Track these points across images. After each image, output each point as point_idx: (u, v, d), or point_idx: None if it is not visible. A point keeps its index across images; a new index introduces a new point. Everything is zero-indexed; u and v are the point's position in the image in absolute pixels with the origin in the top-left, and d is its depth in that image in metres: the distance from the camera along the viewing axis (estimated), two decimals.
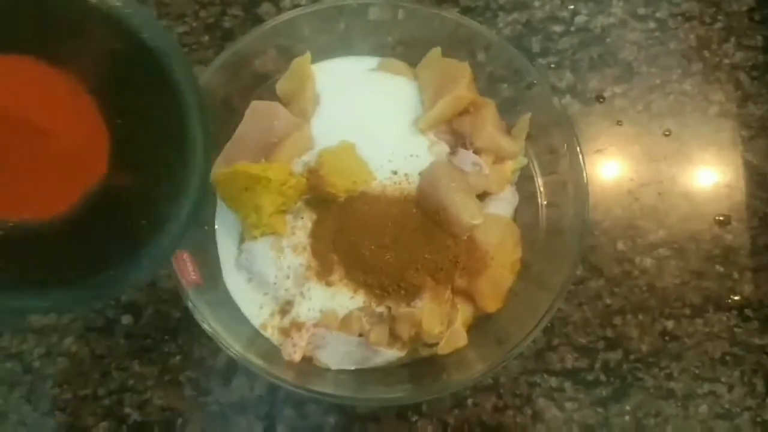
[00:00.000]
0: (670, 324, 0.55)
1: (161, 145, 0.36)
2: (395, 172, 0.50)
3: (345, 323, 0.47)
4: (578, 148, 0.48)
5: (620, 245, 0.57)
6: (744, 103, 0.60)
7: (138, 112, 0.35)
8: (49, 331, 0.53)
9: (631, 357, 0.54)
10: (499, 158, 0.51)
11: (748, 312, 0.56)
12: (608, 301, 0.56)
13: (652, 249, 0.57)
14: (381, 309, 0.48)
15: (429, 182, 0.49)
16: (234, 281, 0.49)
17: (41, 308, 0.38)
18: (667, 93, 0.60)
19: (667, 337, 0.55)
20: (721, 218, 0.58)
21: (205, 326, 0.44)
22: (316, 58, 0.51)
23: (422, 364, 0.49)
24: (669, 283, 0.56)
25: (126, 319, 0.54)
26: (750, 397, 0.54)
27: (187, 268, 0.44)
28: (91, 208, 0.34)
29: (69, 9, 0.32)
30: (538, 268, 0.49)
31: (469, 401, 0.53)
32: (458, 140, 0.51)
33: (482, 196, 0.51)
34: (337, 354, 0.47)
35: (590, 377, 0.54)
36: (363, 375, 0.48)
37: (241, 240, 0.50)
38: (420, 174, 0.50)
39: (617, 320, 0.55)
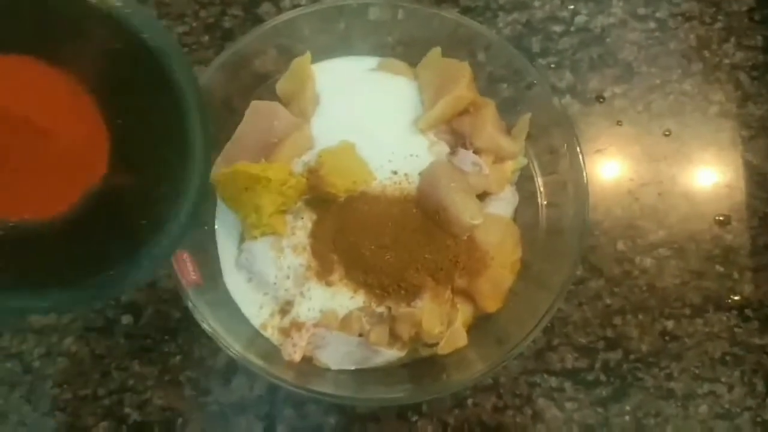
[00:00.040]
0: (670, 324, 0.55)
1: (161, 145, 0.36)
2: (395, 172, 0.50)
3: (345, 323, 0.47)
4: (578, 148, 0.48)
5: (620, 245, 0.57)
6: (744, 103, 0.60)
7: (138, 112, 0.35)
8: (49, 331, 0.53)
9: (631, 357, 0.54)
10: (499, 158, 0.51)
11: (748, 312, 0.56)
12: (608, 301, 0.56)
13: (652, 249, 0.57)
14: (381, 309, 0.48)
15: (429, 182, 0.49)
16: (234, 281, 0.49)
17: (41, 308, 0.38)
18: (667, 93, 0.60)
19: (667, 337, 0.55)
20: (721, 218, 0.58)
21: (205, 326, 0.44)
22: (316, 58, 0.51)
23: (422, 364, 0.49)
24: (669, 283, 0.56)
25: (126, 319, 0.54)
26: (750, 397, 0.54)
27: (187, 268, 0.44)
28: (91, 208, 0.34)
29: (69, 9, 0.32)
30: (538, 268, 0.49)
31: (469, 401, 0.53)
32: (458, 140, 0.51)
33: (482, 196, 0.51)
34: (337, 354, 0.47)
35: (590, 377, 0.54)
36: (363, 375, 0.48)
37: (241, 240, 0.50)
38: (420, 174, 0.50)
39: (617, 320, 0.55)
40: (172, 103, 0.34)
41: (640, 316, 0.55)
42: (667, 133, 0.60)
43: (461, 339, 0.48)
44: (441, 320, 0.47)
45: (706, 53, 0.61)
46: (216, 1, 0.61)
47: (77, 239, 0.35)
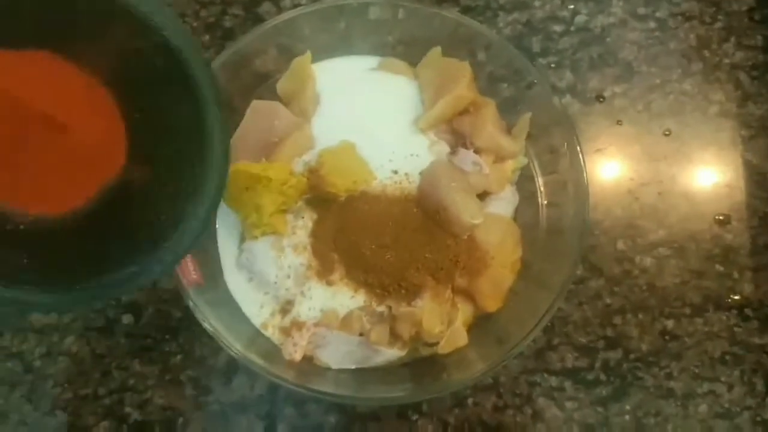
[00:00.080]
0: (670, 323, 0.55)
1: (179, 140, 0.35)
2: (396, 172, 0.50)
3: (345, 322, 0.47)
4: (578, 148, 0.48)
5: (620, 245, 0.57)
6: (744, 102, 0.60)
7: (155, 107, 0.34)
8: (49, 331, 0.53)
9: (631, 356, 0.55)
10: (499, 158, 0.51)
11: (747, 311, 0.56)
12: (608, 300, 0.56)
13: (652, 248, 0.57)
14: (381, 308, 0.48)
15: (429, 182, 0.49)
16: (235, 281, 0.49)
17: (58, 304, 0.38)
18: (667, 93, 0.60)
19: (667, 337, 0.55)
20: (721, 218, 0.58)
21: (205, 325, 0.44)
22: (317, 57, 0.52)
23: (422, 364, 0.49)
24: (669, 282, 0.56)
25: (127, 319, 0.54)
26: (750, 397, 0.54)
27: (187, 268, 0.44)
28: (109, 203, 0.34)
29: (87, 3, 0.31)
30: (538, 268, 0.49)
31: (470, 400, 0.53)
32: (458, 140, 0.51)
33: (482, 196, 0.51)
34: (338, 353, 0.47)
35: (590, 377, 0.54)
36: (363, 374, 0.48)
37: (242, 239, 0.50)
38: (420, 173, 0.50)
39: (617, 320, 0.55)
40: (190, 97, 0.34)
41: (640, 316, 0.55)
42: (667, 132, 0.60)
43: (461, 338, 0.48)
44: (441, 320, 0.47)
45: (706, 53, 0.61)
46: (216, 1, 0.61)
47: (95, 234, 0.35)
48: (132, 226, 0.35)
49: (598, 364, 0.54)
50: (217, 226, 0.50)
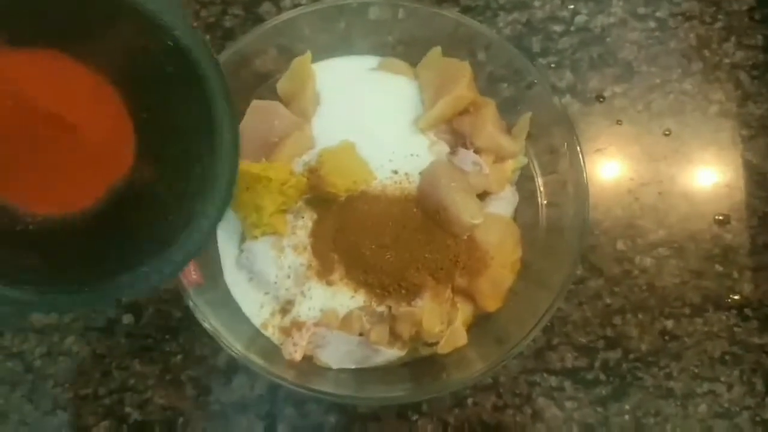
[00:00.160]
0: (669, 323, 0.55)
1: (188, 140, 0.35)
2: (395, 172, 0.50)
3: (345, 322, 0.47)
4: (578, 148, 0.48)
5: (620, 245, 0.57)
6: (744, 102, 0.60)
7: (163, 105, 0.34)
8: (50, 331, 0.54)
9: (631, 356, 0.55)
10: (499, 158, 0.51)
11: (747, 311, 0.56)
12: (608, 300, 0.56)
13: (652, 248, 0.57)
14: (381, 308, 0.48)
15: (429, 182, 0.49)
16: (235, 281, 0.49)
17: (71, 305, 0.38)
18: (667, 92, 0.60)
19: (666, 337, 0.55)
20: (720, 218, 0.58)
21: (206, 325, 0.44)
22: (317, 57, 0.52)
23: (422, 364, 0.49)
24: (669, 282, 0.56)
25: (127, 319, 0.54)
26: (749, 396, 0.54)
27: (188, 268, 0.44)
28: (118, 203, 0.34)
29: (94, 2, 0.31)
30: (538, 268, 0.49)
31: (469, 400, 0.53)
32: (458, 140, 0.51)
33: (482, 196, 0.51)
34: (338, 353, 0.48)
35: (590, 376, 0.54)
36: (363, 374, 0.48)
37: (242, 239, 0.50)
38: (420, 173, 0.50)
39: (617, 320, 0.55)
40: (200, 96, 0.34)
41: (640, 316, 0.55)
42: (667, 132, 0.60)
43: (461, 338, 0.48)
44: (441, 319, 0.47)
45: (706, 52, 0.61)
46: (217, 1, 0.61)
47: (104, 235, 0.34)
48: (141, 226, 0.35)
49: (597, 364, 0.54)
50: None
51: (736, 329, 0.56)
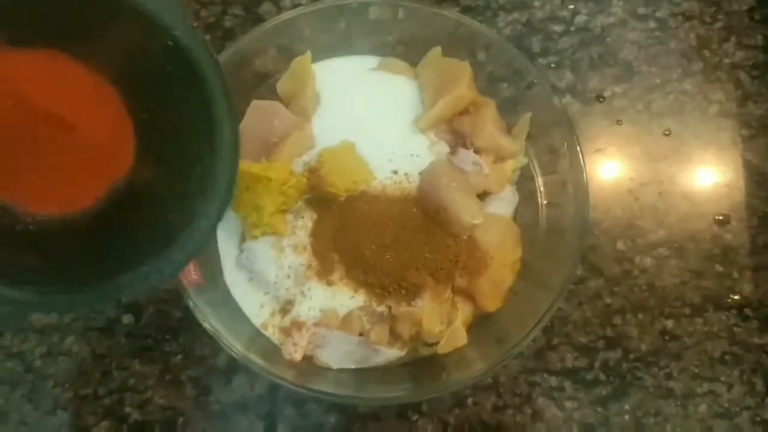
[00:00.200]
0: (669, 323, 0.55)
1: (188, 139, 0.35)
2: (395, 172, 0.50)
3: (345, 322, 0.47)
4: (578, 148, 0.48)
5: (620, 245, 0.57)
6: (744, 102, 0.60)
7: (163, 105, 0.34)
8: (50, 331, 0.54)
9: (631, 356, 0.55)
10: (499, 158, 0.51)
11: (747, 311, 0.56)
12: (608, 300, 0.56)
13: (652, 248, 0.57)
14: (381, 308, 0.48)
15: (429, 182, 0.49)
16: (235, 280, 0.49)
17: (70, 305, 0.38)
18: (667, 92, 0.60)
19: (666, 337, 0.55)
20: (720, 218, 0.58)
21: (206, 325, 0.44)
22: (317, 57, 0.52)
23: (422, 364, 0.49)
24: (669, 282, 0.56)
25: (127, 319, 0.54)
26: (749, 396, 0.54)
27: (188, 268, 0.44)
28: (118, 203, 0.34)
29: (93, 1, 0.31)
30: (538, 268, 0.49)
31: (469, 400, 0.53)
32: (458, 140, 0.51)
33: (482, 196, 0.51)
34: (338, 353, 0.48)
35: (590, 376, 0.54)
36: (363, 374, 0.48)
37: (242, 239, 0.50)
38: (420, 173, 0.50)
39: (617, 320, 0.55)
40: (200, 96, 0.34)
41: (640, 316, 0.55)
42: (667, 132, 0.60)
43: (461, 338, 0.48)
44: (441, 319, 0.47)
45: (707, 53, 0.61)
46: (217, 1, 0.61)
47: (104, 235, 0.34)
48: (141, 226, 0.35)
49: (597, 364, 0.54)
50: None
51: (736, 329, 0.56)
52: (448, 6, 0.61)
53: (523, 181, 0.53)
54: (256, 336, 0.48)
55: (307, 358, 0.48)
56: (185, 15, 0.33)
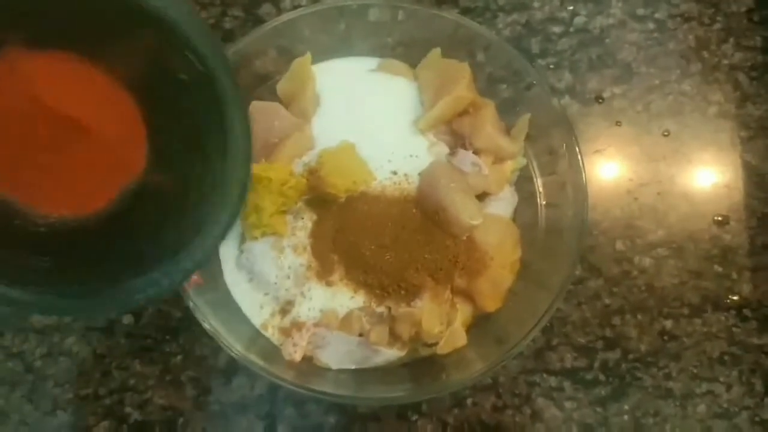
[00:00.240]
0: (668, 324, 0.56)
1: (201, 145, 0.35)
2: (395, 173, 0.50)
3: (345, 323, 0.47)
4: (577, 149, 0.48)
5: (619, 245, 0.57)
6: (743, 103, 0.61)
7: (177, 111, 0.34)
8: (50, 331, 0.54)
9: (630, 357, 0.55)
10: (498, 159, 0.51)
11: (746, 312, 0.56)
12: (607, 300, 0.56)
13: (651, 249, 0.57)
14: (381, 309, 0.48)
15: (429, 182, 0.49)
16: (235, 281, 0.49)
17: (81, 310, 0.38)
18: (666, 93, 0.61)
19: (665, 337, 0.55)
20: (719, 218, 0.58)
21: (206, 326, 0.44)
22: (317, 58, 0.52)
23: (422, 364, 0.49)
24: (668, 282, 0.56)
25: (127, 319, 0.54)
26: (748, 397, 0.54)
27: None
28: (129, 208, 0.34)
29: (112, 6, 0.31)
30: (537, 268, 0.49)
31: (469, 401, 0.53)
32: (458, 141, 0.51)
33: (482, 197, 0.51)
34: (338, 353, 0.48)
35: (589, 377, 0.54)
36: (363, 374, 0.49)
37: (242, 240, 0.50)
38: (420, 174, 0.50)
39: (616, 320, 0.56)
40: (214, 103, 0.34)
41: (639, 316, 0.56)
42: (666, 133, 0.60)
43: (461, 339, 0.48)
44: (441, 320, 0.47)
45: (705, 54, 0.62)
46: (216, 2, 0.61)
47: (115, 240, 0.35)
48: (152, 231, 0.35)
49: (596, 365, 0.54)
50: None
51: (734, 330, 0.56)
52: (448, 7, 0.61)
53: (523, 182, 0.53)
54: (256, 336, 0.48)
55: (307, 359, 0.48)
56: (203, 23, 0.33)
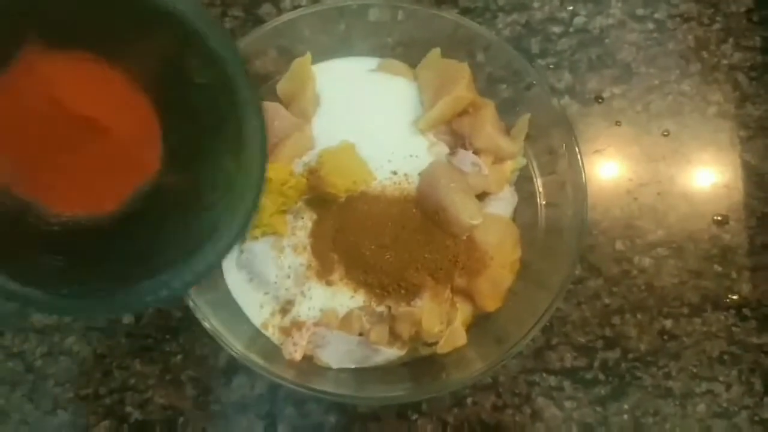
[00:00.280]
0: (668, 323, 0.56)
1: (216, 149, 0.35)
2: (395, 172, 0.50)
3: (345, 322, 0.47)
4: (577, 149, 0.48)
5: (619, 245, 0.57)
6: (742, 103, 0.61)
7: (192, 111, 0.34)
8: (50, 331, 0.54)
9: (630, 356, 0.55)
10: (498, 158, 0.51)
11: (745, 311, 0.56)
12: (607, 300, 0.56)
13: (651, 249, 0.57)
14: (381, 308, 0.48)
15: (428, 182, 0.49)
16: (235, 281, 0.49)
17: (93, 310, 0.38)
18: (665, 93, 0.61)
19: (665, 337, 0.55)
20: (719, 218, 0.58)
21: (206, 325, 0.44)
22: (317, 58, 0.52)
23: (422, 363, 0.49)
24: (667, 282, 0.56)
25: (127, 319, 0.54)
26: (748, 396, 0.54)
27: None
28: (143, 208, 0.34)
29: (131, 6, 0.31)
30: (537, 268, 0.50)
31: (469, 400, 0.53)
32: (458, 140, 0.51)
33: (481, 197, 0.51)
34: (338, 353, 0.48)
35: (589, 376, 0.54)
36: (363, 374, 0.49)
37: (242, 240, 0.50)
38: (420, 174, 0.50)
39: (616, 319, 0.56)
40: (231, 107, 0.34)
41: (639, 316, 0.56)
42: (665, 133, 0.60)
43: (461, 338, 0.48)
44: (440, 319, 0.48)
45: (705, 54, 0.62)
46: (217, 2, 0.61)
47: (127, 239, 0.35)
48: (165, 233, 0.35)
49: (596, 364, 0.55)
50: None
51: (734, 329, 0.56)
52: (447, 7, 0.61)
53: (522, 182, 0.53)
54: (256, 336, 0.48)
55: (307, 358, 0.48)
56: (222, 27, 0.33)
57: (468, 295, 0.49)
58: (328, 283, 0.48)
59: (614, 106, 0.60)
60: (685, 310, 0.56)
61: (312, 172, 0.48)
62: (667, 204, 0.58)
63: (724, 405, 0.54)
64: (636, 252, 0.57)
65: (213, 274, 0.48)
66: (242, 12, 0.61)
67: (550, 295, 0.46)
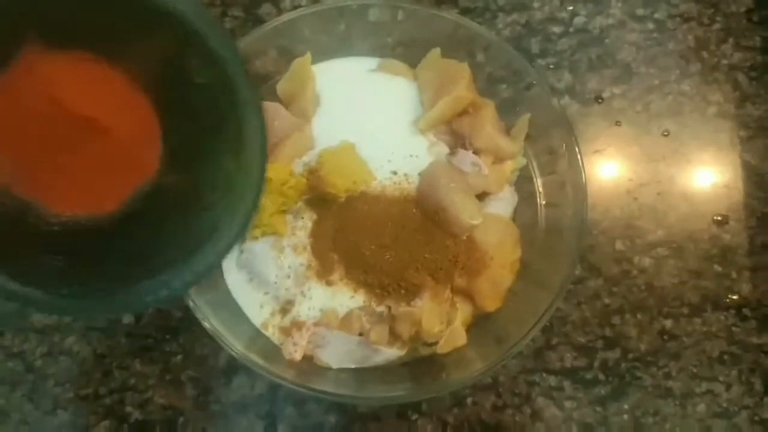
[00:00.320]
0: (668, 323, 0.56)
1: (215, 150, 0.35)
2: (395, 172, 0.50)
3: (345, 322, 0.47)
4: (577, 149, 0.48)
5: (619, 245, 0.57)
6: (742, 103, 0.61)
7: (192, 111, 0.34)
8: (50, 331, 0.54)
9: (630, 356, 0.55)
10: (498, 158, 0.51)
11: (745, 311, 0.56)
12: (607, 300, 0.56)
13: (651, 249, 0.57)
14: (381, 308, 0.48)
15: (428, 182, 0.49)
16: (235, 281, 0.49)
17: (92, 310, 0.38)
18: (665, 93, 0.61)
19: (665, 337, 0.55)
20: (719, 218, 0.58)
21: (206, 325, 0.44)
22: (317, 58, 0.52)
23: (422, 363, 0.49)
24: (667, 282, 0.56)
25: (127, 319, 0.54)
26: (748, 396, 0.54)
27: None
28: (143, 208, 0.34)
29: (128, 6, 0.31)
30: (537, 268, 0.50)
31: (469, 400, 0.53)
32: (458, 140, 0.51)
33: (481, 196, 0.51)
34: (338, 353, 0.48)
35: (589, 376, 0.54)
36: (363, 374, 0.49)
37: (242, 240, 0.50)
38: (420, 174, 0.50)
39: (616, 319, 0.56)
40: (228, 103, 0.34)
41: (639, 316, 0.56)
42: (665, 133, 0.60)
43: (461, 338, 0.48)
44: (440, 319, 0.48)
45: (705, 54, 0.62)
46: (217, 2, 0.61)
47: (127, 239, 0.35)
48: (165, 233, 0.35)
49: (596, 364, 0.55)
50: None
51: (734, 329, 0.56)
52: (447, 7, 0.61)
53: (522, 182, 0.53)
54: (256, 336, 0.48)
55: (307, 358, 0.48)
56: (222, 27, 0.33)
57: (468, 295, 0.49)
58: (328, 283, 0.48)
59: (614, 106, 0.60)
60: (685, 310, 0.56)
61: (312, 172, 0.48)
62: (667, 204, 0.58)
63: (724, 405, 0.54)
64: (636, 252, 0.57)
65: (213, 274, 0.48)
66: (242, 12, 0.61)
67: (550, 295, 0.46)
